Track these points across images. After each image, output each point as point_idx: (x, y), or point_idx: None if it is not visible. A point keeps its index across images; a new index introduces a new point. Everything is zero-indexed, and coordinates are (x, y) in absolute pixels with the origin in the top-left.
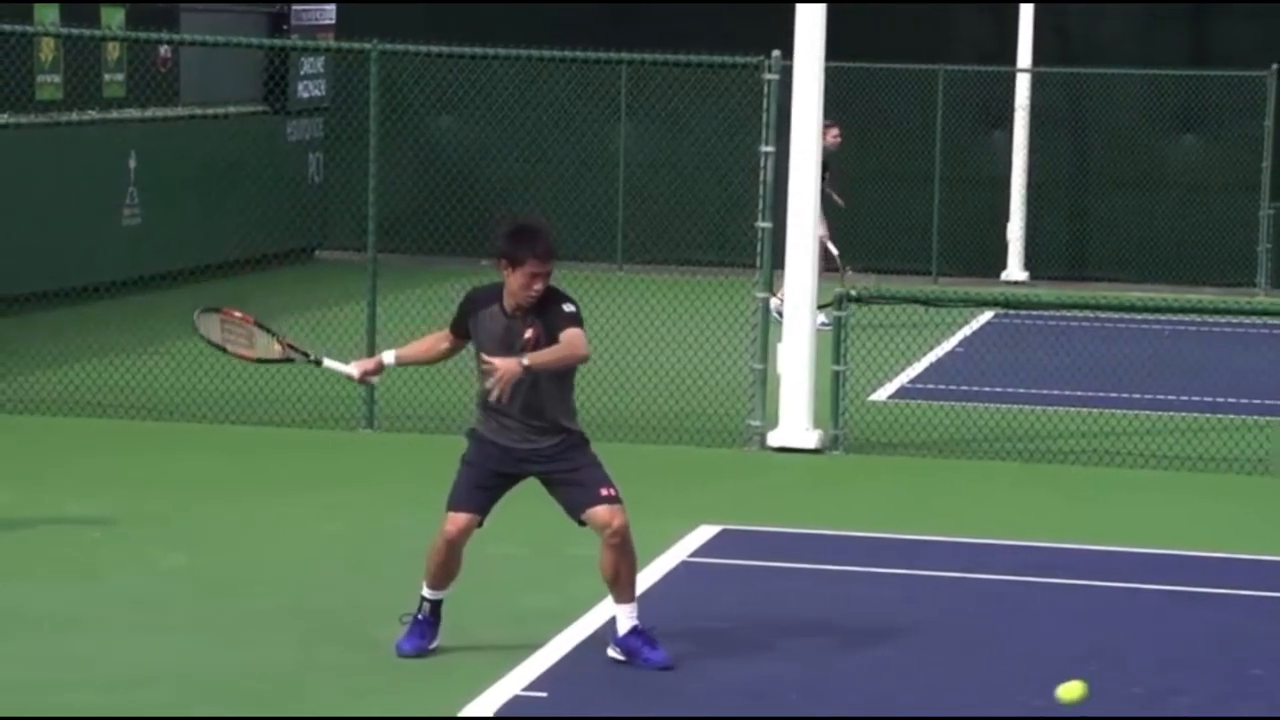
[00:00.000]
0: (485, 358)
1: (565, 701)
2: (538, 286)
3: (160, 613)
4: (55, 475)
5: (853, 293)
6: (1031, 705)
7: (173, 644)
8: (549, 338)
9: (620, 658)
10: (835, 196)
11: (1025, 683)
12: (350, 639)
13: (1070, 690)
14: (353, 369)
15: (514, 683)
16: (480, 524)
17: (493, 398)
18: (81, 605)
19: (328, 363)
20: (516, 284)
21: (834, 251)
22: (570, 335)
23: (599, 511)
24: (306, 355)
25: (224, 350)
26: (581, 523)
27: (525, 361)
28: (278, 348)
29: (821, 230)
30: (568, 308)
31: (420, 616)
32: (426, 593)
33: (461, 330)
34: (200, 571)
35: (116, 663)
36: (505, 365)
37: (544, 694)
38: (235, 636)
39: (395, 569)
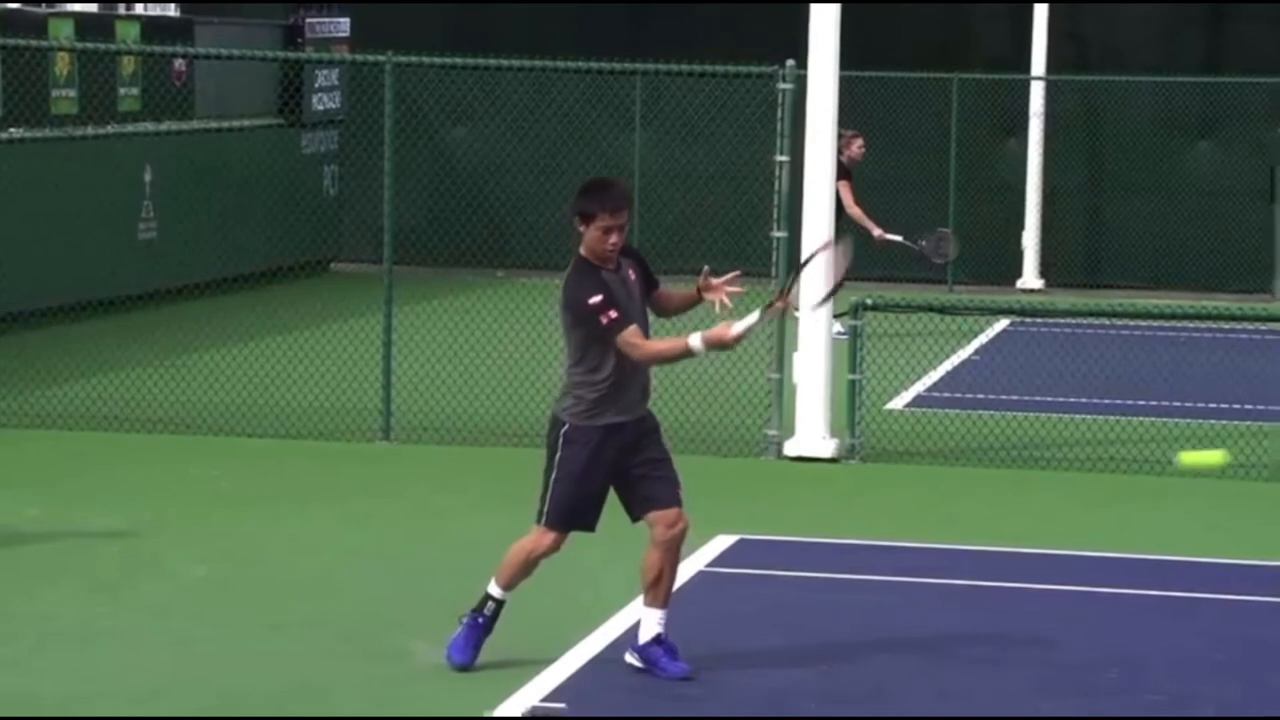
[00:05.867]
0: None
1: (584, 712)
2: (614, 239)
3: (183, 624)
4: (75, 489)
5: (868, 301)
6: (1049, 711)
7: (196, 655)
8: (647, 275)
9: (639, 665)
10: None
11: (1043, 690)
12: (370, 649)
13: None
14: (755, 315)
15: (532, 693)
16: None
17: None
18: (105, 618)
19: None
20: (594, 239)
21: (897, 238)
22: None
23: (673, 513)
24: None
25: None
26: (636, 518)
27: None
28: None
29: (877, 231)
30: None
31: (481, 619)
32: (496, 592)
33: (621, 304)
34: (221, 583)
35: (141, 674)
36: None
37: (562, 705)
38: (258, 647)
39: (414, 579)
